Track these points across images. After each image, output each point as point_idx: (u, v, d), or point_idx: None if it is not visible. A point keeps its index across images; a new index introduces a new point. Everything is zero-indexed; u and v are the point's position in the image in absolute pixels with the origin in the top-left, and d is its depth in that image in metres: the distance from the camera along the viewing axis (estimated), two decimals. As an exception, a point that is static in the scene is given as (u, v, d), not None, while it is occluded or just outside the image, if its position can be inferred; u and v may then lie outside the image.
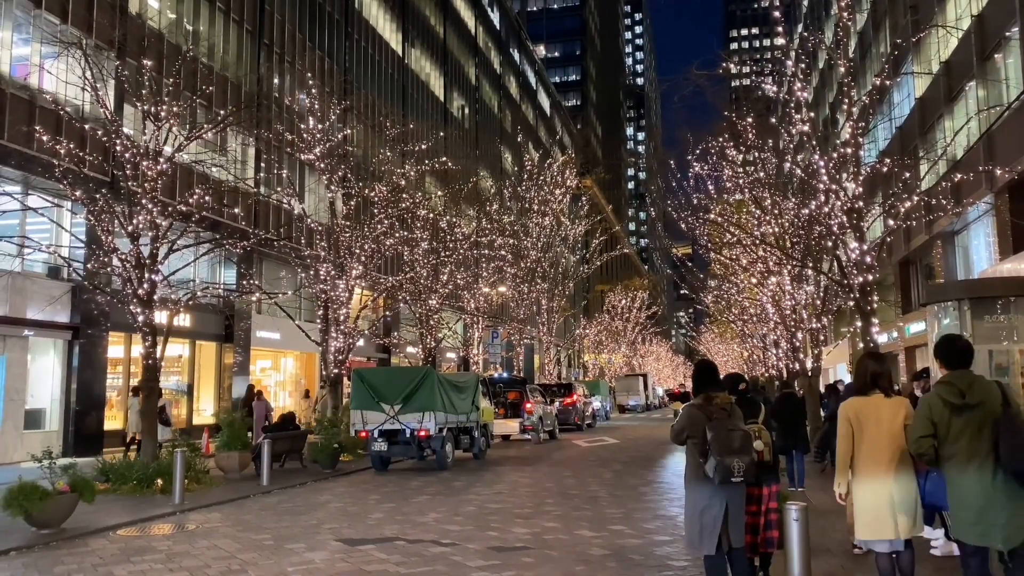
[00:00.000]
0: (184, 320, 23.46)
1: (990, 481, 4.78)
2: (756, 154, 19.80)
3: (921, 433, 4.97)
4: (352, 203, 22.74)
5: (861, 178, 14.92)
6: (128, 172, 14.75)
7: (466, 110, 54.81)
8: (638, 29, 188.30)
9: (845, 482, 5.58)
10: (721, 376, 6.23)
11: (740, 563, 5.80)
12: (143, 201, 14.47)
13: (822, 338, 20.57)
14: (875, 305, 14.91)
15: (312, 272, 21.73)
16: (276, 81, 30.15)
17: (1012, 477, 4.71)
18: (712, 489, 5.58)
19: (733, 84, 25.99)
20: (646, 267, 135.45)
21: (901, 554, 5.55)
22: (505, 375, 31.30)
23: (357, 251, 21.48)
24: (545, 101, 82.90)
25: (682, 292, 42.72)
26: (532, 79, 77.37)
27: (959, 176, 16.14)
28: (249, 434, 16.66)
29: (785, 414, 12.21)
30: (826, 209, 15.48)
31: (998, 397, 4.89)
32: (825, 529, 8.80)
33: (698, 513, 5.68)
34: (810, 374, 19.72)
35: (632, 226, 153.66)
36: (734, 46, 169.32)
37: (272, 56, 30.27)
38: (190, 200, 15.86)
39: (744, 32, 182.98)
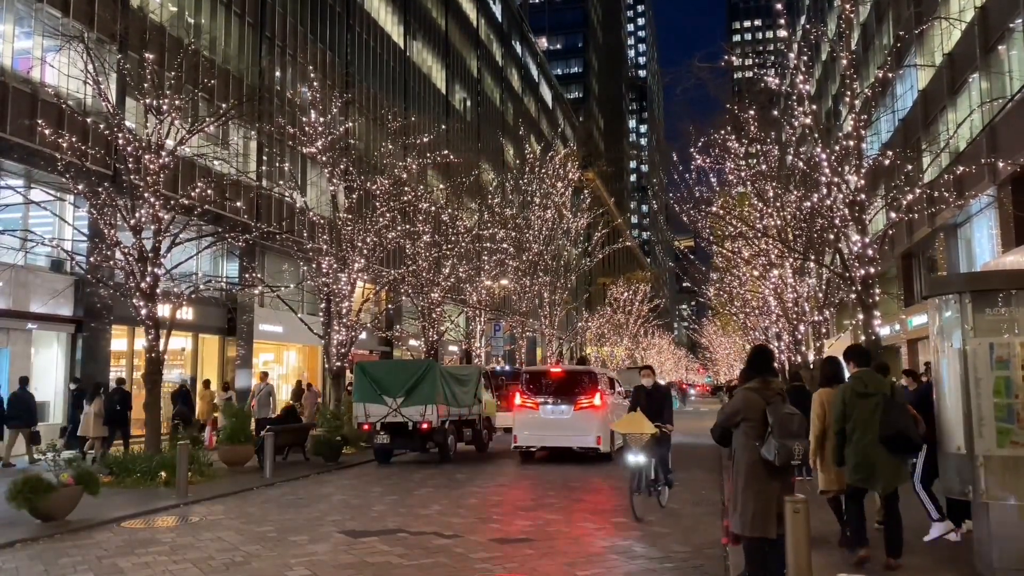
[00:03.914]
0: (187, 313, 23.49)
1: (876, 445, 6.78)
2: (758, 147, 19.78)
3: (838, 414, 7.01)
4: (354, 196, 22.75)
5: (863, 171, 14.90)
6: (130, 166, 14.76)
7: (468, 103, 54.72)
8: (640, 21, 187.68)
9: (819, 449, 7.45)
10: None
11: (784, 549, 5.76)
12: (145, 195, 14.49)
13: (824, 331, 20.58)
14: (877, 298, 14.91)
15: (314, 265, 21.75)
16: (278, 74, 30.12)
17: (885, 444, 6.75)
18: (768, 472, 5.63)
19: (736, 76, 25.93)
20: (648, 260, 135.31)
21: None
22: (507, 368, 31.31)
23: (359, 244, 21.49)
24: (547, 93, 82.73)
25: (684, 285, 42.69)
26: (534, 71, 77.19)
27: (962, 169, 16.11)
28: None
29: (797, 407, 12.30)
30: (828, 202, 15.47)
31: (887, 389, 6.98)
32: (827, 521, 8.82)
33: (752, 496, 5.68)
34: (812, 367, 19.72)
35: (634, 219, 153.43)
36: (737, 38, 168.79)
37: (274, 49, 30.23)
38: (192, 194, 15.88)
39: (747, 24, 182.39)
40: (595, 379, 17.21)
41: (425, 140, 25.29)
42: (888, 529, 7.00)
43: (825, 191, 15.44)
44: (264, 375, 21.62)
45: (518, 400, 17.16)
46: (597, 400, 16.53)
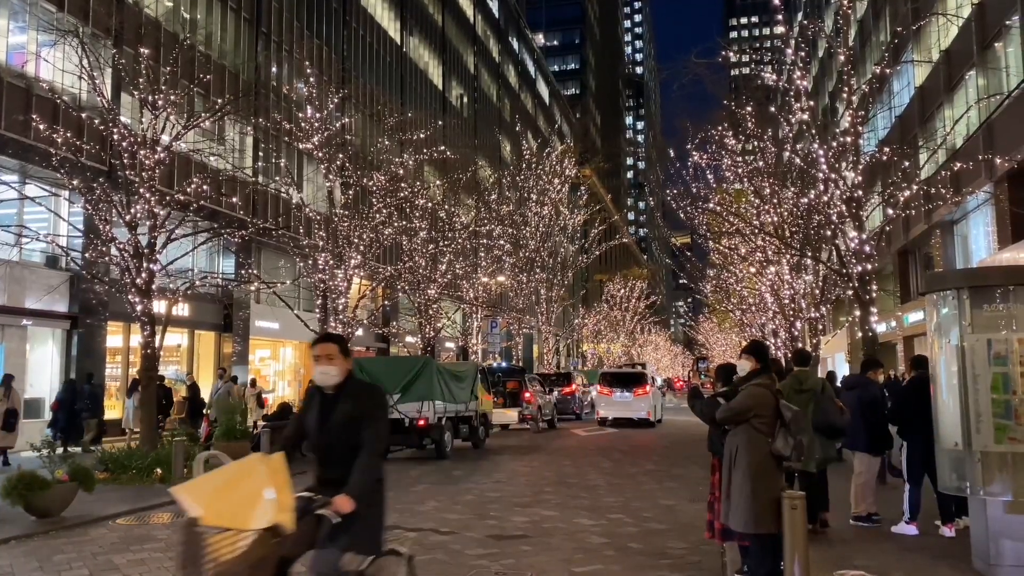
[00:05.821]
0: (183, 310, 23.44)
1: (811, 432, 7.87)
2: (756, 143, 19.78)
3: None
4: (350, 192, 22.69)
5: (860, 167, 14.91)
6: (125, 161, 14.69)
7: (465, 99, 54.64)
8: (638, 18, 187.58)
9: None
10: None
11: (781, 544, 5.75)
12: (141, 190, 14.43)
13: (821, 327, 20.63)
14: (874, 294, 14.93)
15: (311, 261, 21.70)
16: (274, 70, 30.02)
17: (817, 430, 8.15)
18: (777, 468, 5.70)
19: (733, 73, 25.92)
20: (645, 256, 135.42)
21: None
22: (504, 364, 31.31)
23: (356, 240, 21.44)
24: (544, 90, 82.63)
25: (681, 282, 42.77)
26: (531, 68, 77.09)
27: (958, 165, 16.13)
28: None
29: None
30: (825, 198, 15.48)
31: (819, 385, 8.56)
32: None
33: (761, 491, 5.64)
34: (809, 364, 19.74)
35: (631, 215, 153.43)
36: (734, 34, 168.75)
37: (270, 44, 30.14)
38: (188, 189, 15.82)
39: (744, 20, 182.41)
40: (645, 376, 28.40)
41: (422, 136, 25.24)
42: (813, 499, 8.21)
43: (822, 187, 15.44)
44: (222, 372, 21.54)
45: (599, 387, 27.97)
46: (648, 389, 27.34)
